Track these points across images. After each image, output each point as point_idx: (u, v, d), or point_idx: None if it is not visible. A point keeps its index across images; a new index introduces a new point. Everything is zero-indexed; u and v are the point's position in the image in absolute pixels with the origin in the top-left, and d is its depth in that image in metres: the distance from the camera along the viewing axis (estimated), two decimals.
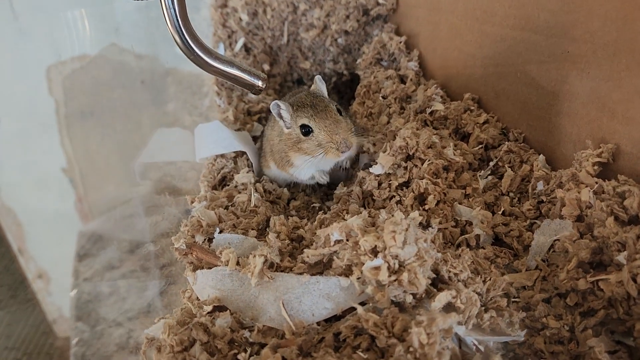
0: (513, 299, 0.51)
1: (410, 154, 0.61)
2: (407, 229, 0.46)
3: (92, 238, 1.40)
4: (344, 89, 1.08)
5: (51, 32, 1.21)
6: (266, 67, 1.01)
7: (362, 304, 0.46)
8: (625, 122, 0.52)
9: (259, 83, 0.58)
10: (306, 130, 0.66)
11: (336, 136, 0.65)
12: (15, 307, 2.02)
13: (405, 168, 0.61)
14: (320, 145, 0.66)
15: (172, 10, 0.51)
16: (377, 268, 0.45)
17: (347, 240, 0.48)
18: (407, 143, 0.61)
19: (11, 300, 2.04)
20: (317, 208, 0.71)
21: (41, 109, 1.38)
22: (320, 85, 0.71)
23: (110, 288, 1.23)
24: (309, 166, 0.70)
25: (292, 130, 0.67)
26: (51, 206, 1.58)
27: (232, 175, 0.69)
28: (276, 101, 0.67)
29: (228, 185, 0.68)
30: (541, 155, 0.62)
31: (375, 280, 0.45)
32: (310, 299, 0.46)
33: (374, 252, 0.46)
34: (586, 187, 0.53)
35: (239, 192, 0.65)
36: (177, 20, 0.51)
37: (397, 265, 0.45)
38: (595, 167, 0.54)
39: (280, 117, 0.68)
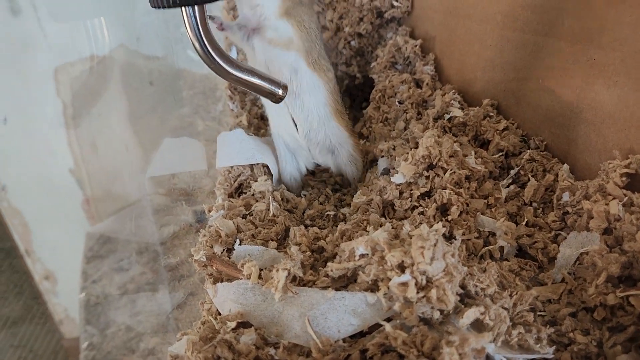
0: (539, 313, 0.50)
1: (433, 163, 0.60)
2: (435, 244, 0.45)
3: (101, 240, 1.39)
4: (356, 91, 1.07)
5: (64, 36, 1.20)
6: None
7: (388, 320, 0.45)
8: None
9: (280, 91, 0.57)
10: None
11: None
12: (21, 307, 2.02)
13: (427, 177, 0.60)
14: None
15: (193, 19, 0.50)
16: (405, 284, 0.44)
17: (373, 254, 0.47)
18: (430, 152, 0.60)
19: (17, 301, 2.04)
20: (331, 216, 0.70)
21: (49, 110, 1.38)
22: None
23: (120, 291, 1.22)
24: None
25: None
26: (58, 207, 1.57)
27: (249, 182, 0.68)
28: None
29: (245, 193, 0.67)
30: (565, 164, 0.61)
31: (402, 297, 0.44)
32: (336, 315, 0.45)
33: (401, 267, 0.45)
34: (614, 199, 0.52)
35: (257, 201, 0.64)
36: (198, 28, 0.50)
37: (425, 282, 0.44)
38: (624, 179, 0.53)
39: None
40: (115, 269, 1.27)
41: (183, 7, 0.49)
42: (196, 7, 0.49)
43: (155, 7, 0.49)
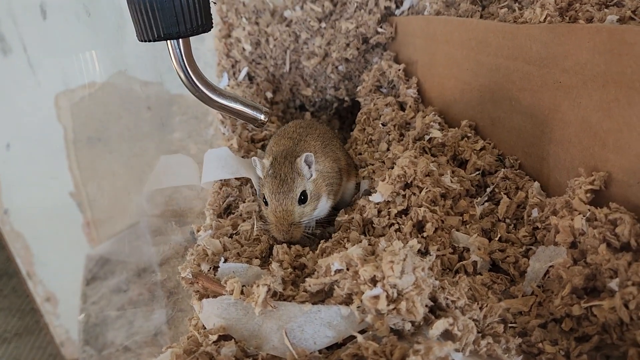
0: (510, 325, 0.52)
1: (409, 182, 0.63)
2: (404, 259, 0.47)
3: (100, 262, 1.42)
4: (345, 114, 1.11)
5: (61, 66, 1.25)
6: (269, 94, 1.03)
7: (363, 332, 0.48)
8: (615, 151, 0.54)
9: (262, 117, 0.60)
10: (264, 201, 0.65)
11: (282, 224, 0.64)
12: (23, 329, 2.03)
13: (404, 196, 0.63)
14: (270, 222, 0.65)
15: (178, 50, 0.54)
16: (376, 297, 0.46)
17: (348, 269, 0.50)
18: (405, 172, 0.63)
19: (19, 323, 2.05)
20: (317, 234, 0.73)
21: (50, 135, 1.42)
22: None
23: (118, 312, 1.24)
24: None
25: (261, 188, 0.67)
26: (59, 230, 1.60)
27: (237, 203, 0.71)
28: (254, 158, 0.66)
29: (233, 213, 0.70)
30: (536, 182, 0.63)
31: (374, 309, 0.47)
32: (312, 327, 0.48)
33: (373, 281, 0.47)
34: (579, 214, 0.54)
35: (243, 221, 0.67)
36: (183, 59, 0.54)
37: (395, 294, 0.47)
38: (588, 195, 0.55)
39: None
40: (113, 290, 1.29)
41: (168, 40, 0.53)
42: (180, 40, 0.53)
43: (141, 41, 0.52)
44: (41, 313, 1.76)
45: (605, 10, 0.63)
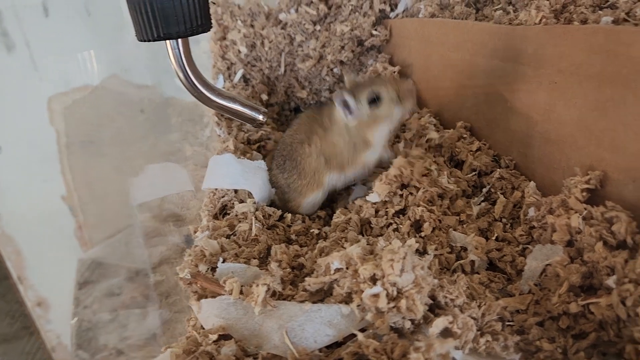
0: (507, 323, 0.53)
1: (405, 182, 0.64)
2: (404, 257, 0.47)
3: (92, 265, 1.41)
4: None
5: (55, 67, 1.24)
6: (264, 97, 1.03)
7: (363, 330, 0.48)
8: (611, 150, 0.55)
9: (260, 117, 0.60)
10: (376, 97, 0.68)
11: (402, 85, 0.68)
12: (13, 335, 2.01)
13: (401, 196, 0.63)
14: (393, 100, 0.68)
15: (177, 50, 0.54)
16: (376, 295, 0.47)
17: (347, 268, 0.50)
18: (401, 172, 0.63)
19: (9, 329, 2.03)
20: (315, 234, 0.73)
21: (42, 138, 1.41)
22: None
23: (111, 315, 1.23)
24: (385, 137, 0.72)
25: (361, 110, 0.69)
26: (51, 234, 1.59)
27: (233, 203, 0.71)
28: (340, 91, 0.69)
29: (229, 214, 0.70)
30: (532, 182, 0.64)
31: (374, 307, 0.47)
32: (313, 326, 0.48)
33: (373, 279, 0.48)
34: (575, 213, 0.55)
35: (240, 221, 0.66)
36: (182, 59, 0.54)
37: (395, 293, 0.47)
38: (584, 194, 0.56)
39: (347, 105, 0.69)
40: (106, 294, 1.28)
41: (167, 40, 0.53)
42: (180, 40, 0.53)
43: (141, 40, 0.52)
44: (32, 318, 1.75)
45: (599, 12, 0.64)
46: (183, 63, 0.54)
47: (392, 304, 0.47)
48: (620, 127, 0.53)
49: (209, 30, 0.55)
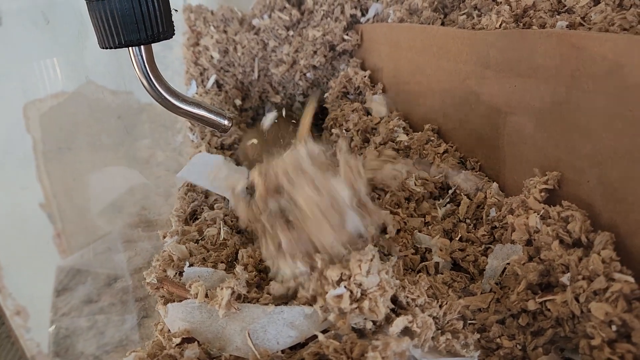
0: (470, 321, 0.54)
1: (377, 185, 0.65)
2: (372, 259, 0.48)
3: (70, 273, 1.40)
4: (316, 120, 1.12)
5: (25, 75, 1.24)
6: (238, 102, 1.04)
7: (325, 332, 0.49)
8: (567, 151, 0.56)
9: (225, 122, 0.61)
10: None
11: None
12: None
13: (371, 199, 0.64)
14: None
15: (140, 57, 0.54)
16: (340, 296, 0.47)
17: (312, 271, 0.51)
18: (373, 176, 0.64)
19: None
20: None
21: (18, 146, 1.40)
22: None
23: (89, 322, 1.23)
24: None
25: None
26: (29, 242, 1.58)
27: (203, 208, 0.71)
28: None
29: (199, 218, 0.70)
30: (495, 183, 0.65)
31: (337, 308, 0.48)
32: (275, 328, 0.49)
33: (340, 281, 0.48)
34: (534, 212, 0.56)
35: (209, 226, 0.67)
36: (145, 66, 0.54)
37: (359, 294, 0.48)
38: (543, 194, 0.57)
39: None
40: (84, 301, 1.28)
41: (130, 47, 0.53)
42: (142, 47, 0.54)
43: (103, 48, 0.53)
44: (11, 327, 1.73)
45: (557, 16, 0.66)
46: (146, 70, 0.54)
47: (354, 305, 0.47)
48: (574, 129, 0.55)
49: (171, 37, 0.56)
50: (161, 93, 0.56)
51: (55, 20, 1.12)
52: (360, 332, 0.49)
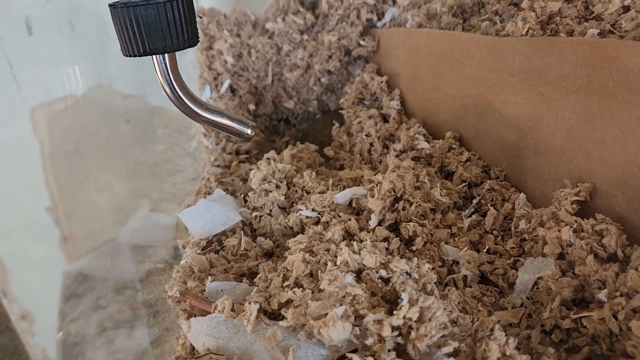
0: None
1: (399, 195, 0.63)
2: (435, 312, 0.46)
3: (78, 278, 1.39)
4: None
5: (38, 78, 1.23)
6: (252, 107, 1.03)
7: (355, 351, 0.47)
8: (599, 163, 0.55)
9: (248, 131, 0.59)
10: None
11: None
12: None
13: (393, 211, 0.63)
14: None
15: (164, 65, 0.53)
16: (380, 322, 0.45)
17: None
18: (394, 185, 0.63)
19: None
20: None
21: (25, 149, 1.38)
22: None
23: (98, 330, 1.21)
24: None
25: None
26: (35, 246, 1.56)
27: None
28: None
29: None
30: (522, 193, 0.64)
31: (377, 335, 0.46)
32: (308, 346, 0.47)
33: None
34: (566, 225, 0.55)
35: (228, 237, 0.66)
36: (169, 74, 0.53)
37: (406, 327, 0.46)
38: (574, 206, 0.56)
39: None
40: (93, 308, 1.26)
41: (154, 55, 0.52)
42: (166, 55, 0.52)
43: (126, 56, 0.51)
44: (16, 332, 1.71)
45: (585, 23, 0.64)
46: (170, 78, 0.53)
47: (395, 333, 0.45)
48: (608, 140, 0.53)
49: (196, 45, 0.54)
50: (184, 101, 0.55)
51: (79, 28, 1.11)
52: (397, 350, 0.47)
